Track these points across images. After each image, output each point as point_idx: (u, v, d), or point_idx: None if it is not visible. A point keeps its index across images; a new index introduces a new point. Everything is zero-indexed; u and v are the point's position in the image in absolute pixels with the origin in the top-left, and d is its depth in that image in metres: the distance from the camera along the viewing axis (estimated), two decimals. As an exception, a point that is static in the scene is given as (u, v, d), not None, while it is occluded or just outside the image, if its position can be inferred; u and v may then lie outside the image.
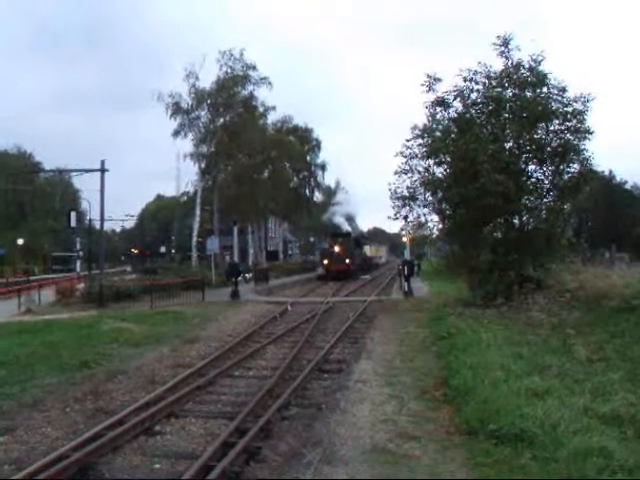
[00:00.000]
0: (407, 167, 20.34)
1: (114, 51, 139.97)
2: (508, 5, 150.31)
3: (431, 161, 20.11)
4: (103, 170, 28.92)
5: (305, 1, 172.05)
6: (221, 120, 40.55)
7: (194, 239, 39.71)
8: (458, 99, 19.56)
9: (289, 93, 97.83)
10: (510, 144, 19.49)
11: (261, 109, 42.29)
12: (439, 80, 19.43)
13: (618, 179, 59.82)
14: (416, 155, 20.20)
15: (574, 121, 18.64)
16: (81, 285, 27.50)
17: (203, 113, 39.85)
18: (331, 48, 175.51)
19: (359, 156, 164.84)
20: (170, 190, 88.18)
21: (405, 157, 20.29)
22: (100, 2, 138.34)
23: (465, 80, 19.29)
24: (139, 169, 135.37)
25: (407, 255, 26.90)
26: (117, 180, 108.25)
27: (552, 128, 19.16)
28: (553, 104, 18.81)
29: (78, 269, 40.82)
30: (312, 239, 77.63)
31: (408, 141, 20.17)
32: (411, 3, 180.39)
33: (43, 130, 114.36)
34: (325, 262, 43.84)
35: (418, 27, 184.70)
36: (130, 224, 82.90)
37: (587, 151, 18.75)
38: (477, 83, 19.39)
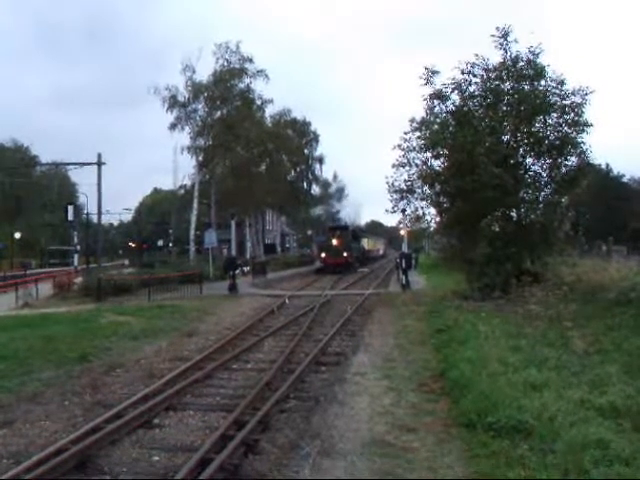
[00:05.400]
0: (405, 160, 20.37)
1: (114, 48, 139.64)
2: (507, 2, 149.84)
3: (429, 154, 20.13)
4: (100, 163, 28.94)
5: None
6: (218, 113, 40.53)
7: (192, 232, 39.71)
8: (456, 92, 19.56)
9: (288, 88, 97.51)
10: (508, 137, 19.50)
11: (258, 102, 42.31)
12: (437, 73, 19.44)
13: (615, 172, 59.93)
14: (414, 148, 20.21)
15: (572, 114, 18.65)
16: (79, 279, 27.45)
17: (200, 106, 39.94)
18: (332, 44, 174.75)
19: (357, 150, 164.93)
20: (167, 183, 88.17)
21: (403, 150, 20.31)
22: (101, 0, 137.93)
23: (463, 73, 19.29)
24: (137, 163, 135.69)
25: (405, 248, 26.89)
26: (115, 174, 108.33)
27: (550, 121, 19.17)
28: (551, 97, 18.81)
29: (75, 263, 40.68)
30: (310, 232, 77.62)
31: (406, 134, 20.19)
32: (409, 3, 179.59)
33: (42, 126, 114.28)
34: (323, 255, 43.86)
35: (418, 24, 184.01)
36: (127, 217, 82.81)
37: (585, 144, 18.81)
38: (475, 76, 19.39)
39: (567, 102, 18.66)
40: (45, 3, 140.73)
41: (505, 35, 18.94)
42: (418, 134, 20.04)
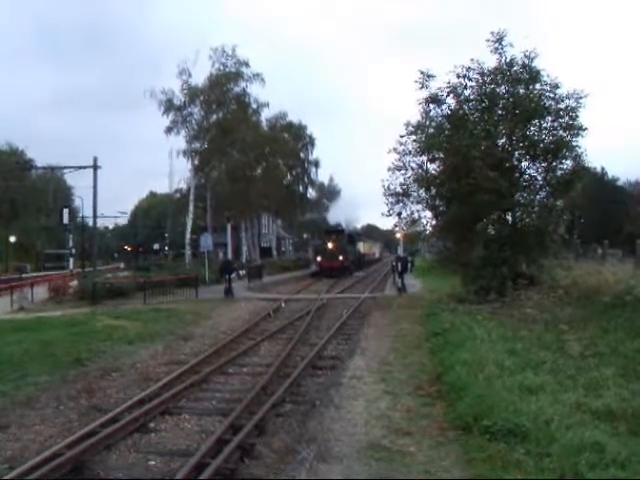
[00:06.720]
0: (401, 164, 20.44)
1: (113, 49, 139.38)
2: (505, 5, 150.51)
3: (424, 157, 20.18)
4: (96, 167, 28.89)
5: (305, 1, 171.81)
6: (214, 117, 40.48)
7: (187, 236, 39.64)
8: (451, 96, 19.61)
9: (287, 89, 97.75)
10: (503, 140, 19.57)
11: (254, 106, 42.28)
12: (432, 77, 19.46)
13: (610, 176, 60.11)
14: (410, 152, 20.27)
15: (567, 118, 18.72)
16: (74, 282, 27.37)
17: (196, 110, 39.84)
18: (331, 45, 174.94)
19: (355, 152, 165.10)
20: (163, 187, 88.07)
21: (399, 154, 20.39)
22: (99, 2, 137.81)
23: (458, 77, 19.33)
24: (133, 166, 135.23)
25: (401, 252, 26.91)
26: (111, 177, 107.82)
27: (545, 125, 19.25)
28: (546, 101, 18.88)
29: (71, 266, 40.59)
30: (306, 236, 77.60)
31: (402, 137, 20.25)
32: (409, 4, 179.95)
33: (39, 128, 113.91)
34: (318, 259, 43.80)
35: (418, 25, 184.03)
36: (123, 221, 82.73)
37: (580, 148, 18.88)
38: (470, 80, 19.44)
39: (562, 106, 18.73)
40: (44, 5, 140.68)
41: (500, 39, 19.02)
42: (414, 137, 20.12)
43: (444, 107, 19.87)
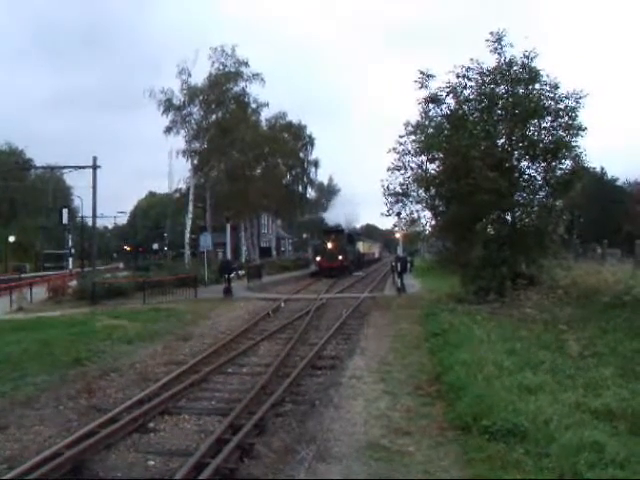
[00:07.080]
0: (400, 164, 20.44)
1: (111, 52, 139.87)
2: (505, 5, 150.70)
3: (424, 157, 20.18)
4: (95, 167, 28.88)
5: (305, 1, 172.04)
6: (213, 116, 40.49)
7: (187, 236, 39.64)
8: (451, 96, 19.61)
9: (287, 89, 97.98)
10: (502, 140, 19.55)
11: (254, 105, 42.31)
12: (432, 77, 19.45)
13: (610, 176, 60.10)
14: (409, 152, 20.28)
15: (566, 118, 18.71)
16: (73, 282, 27.37)
17: (195, 110, 39.85)
18: (331, 44, 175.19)
19: (355, 152, 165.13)
20: (163, 187, 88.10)
21: (398, 153, 20.39)
22: (99, 2, 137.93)
23: (458, 77, 19.31)
24: (133, 167, 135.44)
25: (400, 252, 26.91)
26: (111, 177, 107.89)
27: (544, 125, 19.23)
28: (545, 101, 18.86)
29: (70, 266, 40.59)
30: (305, 235, 77.59)
31: (401, 137, 20.26)
32: (409, 4, 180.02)
33: (38, 128, 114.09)
34: (318, 259, 43.78)
35: (418, 25, 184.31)
36: (122, 221, 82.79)
37: (579, 148, 18.85)
38: (470, 80, 19.42)
39: (561, 106, 18.72)
40: (44, 5, 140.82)
41: (499, 39, 19.00)
42: (413, 137, 20.14)
43: (444, 107, 19.89)
